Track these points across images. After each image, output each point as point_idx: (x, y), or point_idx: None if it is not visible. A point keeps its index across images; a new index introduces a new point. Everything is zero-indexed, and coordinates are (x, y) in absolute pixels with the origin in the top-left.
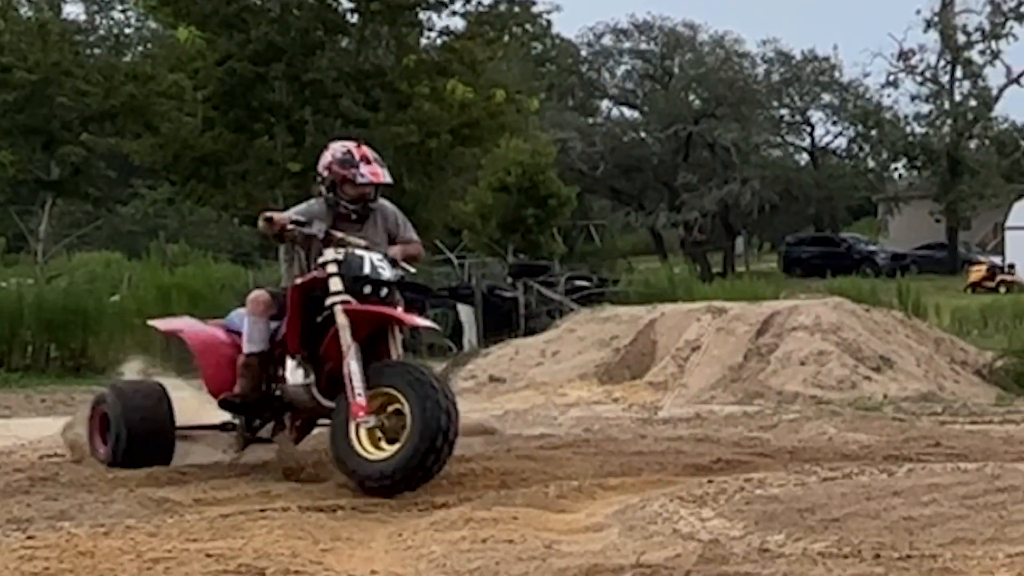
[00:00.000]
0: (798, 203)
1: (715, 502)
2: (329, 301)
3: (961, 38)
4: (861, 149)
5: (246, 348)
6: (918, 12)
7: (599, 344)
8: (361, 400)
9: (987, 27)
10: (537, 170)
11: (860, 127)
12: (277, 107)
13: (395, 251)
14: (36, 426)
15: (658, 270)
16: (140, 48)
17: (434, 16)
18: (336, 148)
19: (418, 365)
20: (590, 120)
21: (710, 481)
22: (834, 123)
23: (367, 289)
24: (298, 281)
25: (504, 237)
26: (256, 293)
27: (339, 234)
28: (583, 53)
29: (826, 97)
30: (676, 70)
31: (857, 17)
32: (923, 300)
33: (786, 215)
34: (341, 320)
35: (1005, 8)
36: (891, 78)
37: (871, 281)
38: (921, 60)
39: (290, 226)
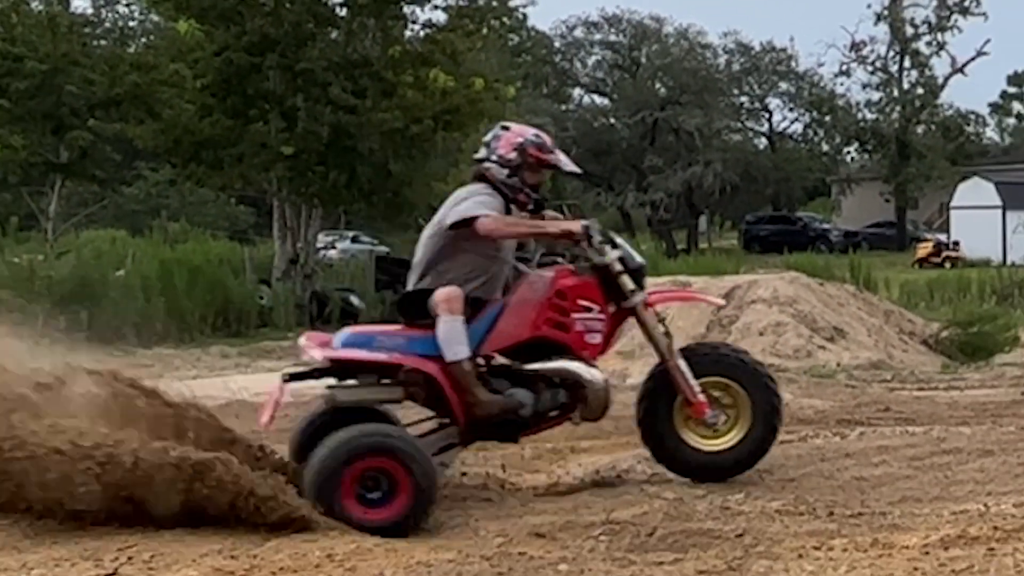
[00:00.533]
0: (757, 184)
1: None
2: (633, 301)
3: (909, 30)
4: (816, 134)
5: (461, 354)
6: (869, 6)
7: None
8: (702, 397)
9: (933, 20)
10: None
11: (815, 113)
12: (271, 95)
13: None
14: None
15: None
16: (143, 40)
17: (418, 10)
18: (526, 131)
19: (724, 346)
20: (563, 107)
21: None
22: (790, 110)
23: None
24: (591, 277)
25: None
26: (453, 291)
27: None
28: (556, 44)
29: (783, 85)
30: (643, 60)
31: (812, 10)
32: (873, 275)
33: (746, 195)
34: (653, 319)
35: (950, 2)
36: (844, 68)
37: (825, 257)
38: (872, 51)
39: (597, 239)
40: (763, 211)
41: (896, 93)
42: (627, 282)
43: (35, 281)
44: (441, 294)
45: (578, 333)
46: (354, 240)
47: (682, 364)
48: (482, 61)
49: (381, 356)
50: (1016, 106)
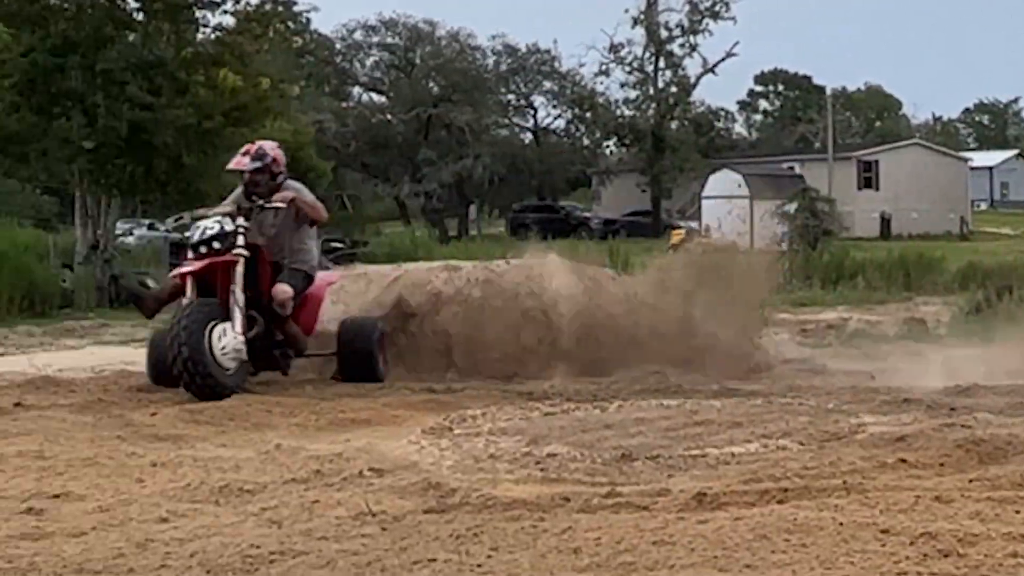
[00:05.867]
0: (523, 176)
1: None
2: None
3: (664, 33)
4: (577, 129)
5: None
6: (627, 11)
7: (352, 296)
8: None
9: (686, 24)
10: (297, 147)
11: (576, 110)
12: (73, 93)
13: None
14: None
15: (402, 234)
16: None
17: (208, 14)
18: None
19: None
20: (343, 104)
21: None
22: (554, 107)
23: None
24: None
25: None
26: None
27: None
28: (337, 46)
29: (547, 84)
30: (418, 61)
31: (574, 14)
32: (631, 260)
33: (512, 186)
34: None
35: (702, 7)
36: (603, 68)
37: (586, 243)
38: (629, 52)
39: None
40: (528, 200)
41: (652, 91)
42: None
43: None
44: None
45: None
46: (150, 227)
47: None
48: (268, 62)
49: None
50: (763, 103)
